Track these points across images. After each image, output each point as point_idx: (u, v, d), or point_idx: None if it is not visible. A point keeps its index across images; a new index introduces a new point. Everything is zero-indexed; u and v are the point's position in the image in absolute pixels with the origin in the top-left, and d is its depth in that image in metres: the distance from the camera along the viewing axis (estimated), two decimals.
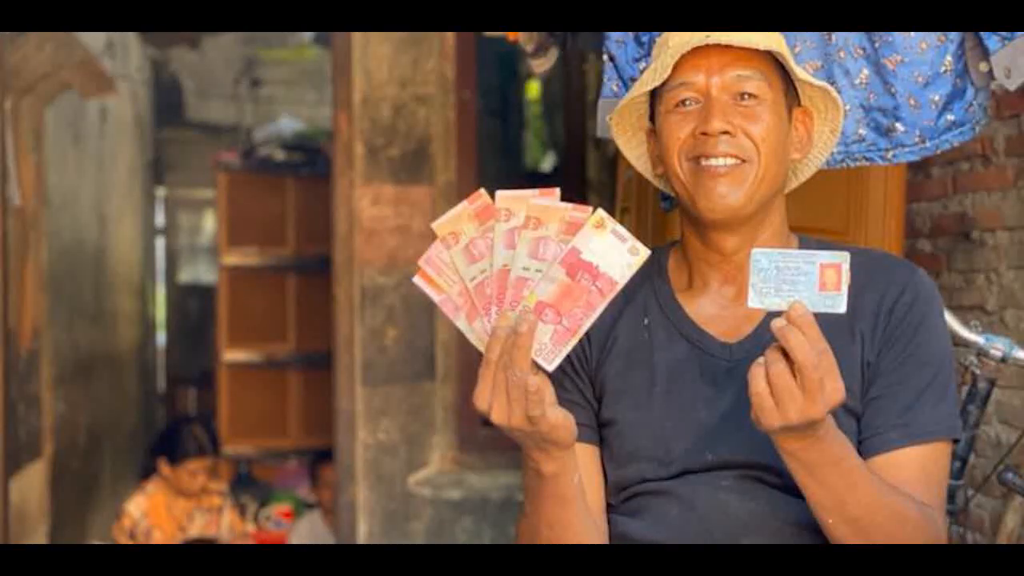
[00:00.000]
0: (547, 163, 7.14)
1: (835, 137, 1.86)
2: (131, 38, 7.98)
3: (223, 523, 5.26)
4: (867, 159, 2.24)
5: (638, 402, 1.76)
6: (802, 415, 1.48)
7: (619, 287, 1.55)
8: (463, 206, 1.59)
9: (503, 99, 6.80)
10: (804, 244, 1.82)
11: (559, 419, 1.55)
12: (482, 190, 1.60)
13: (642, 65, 2.23)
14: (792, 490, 1.63)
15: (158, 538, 5.05)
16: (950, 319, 2.48)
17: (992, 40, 2.14)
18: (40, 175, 5.33)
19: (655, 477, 1.74)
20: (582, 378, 1.80)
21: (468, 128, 4.70)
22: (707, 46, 1.72)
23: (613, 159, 4.32)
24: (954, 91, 2.19)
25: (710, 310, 1.79)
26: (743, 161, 1.72)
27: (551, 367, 1.55)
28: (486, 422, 1.58)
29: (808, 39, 2.21)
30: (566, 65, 5.18)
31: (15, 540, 4.62)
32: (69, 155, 6.37)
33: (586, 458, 1.76)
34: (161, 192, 10.35)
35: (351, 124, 4.56)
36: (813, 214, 2.35)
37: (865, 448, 1.68)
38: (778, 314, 1.48)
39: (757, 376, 1.49)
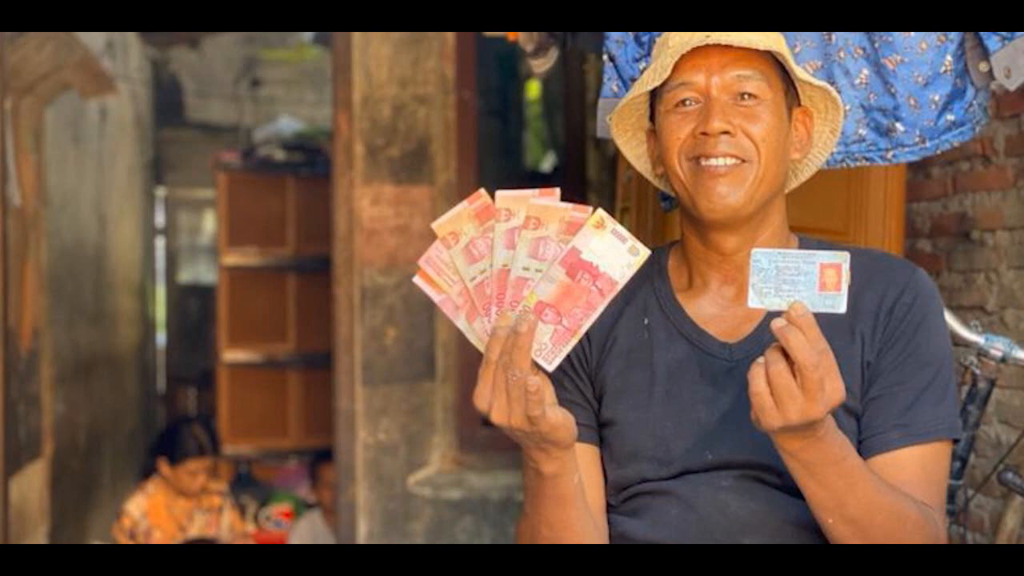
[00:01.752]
0: (547, 163, 7.14)
1: (835, 137, 1.86)
2: (131, 38, 7.98)
3: (223, 523, 5.26)
4: (867, 159, 2.24)
5: (638, 402, 1.76)
6: (802, 415, 1.48)
7: (619, 287, 1.55)
8: (463, 206, 1.59)
9: (503, 99, 6.80)
10: (804, 244, 1.82)
11: (559, 419, 1.55)
12: (482, 190, 1.60)
13: (642, 65, 2.23)
14: (792, 490, 1.63)
15: (158, 538, 5.05)
16: (950, 319, 2.49)
17: (992, 40, 2.14)
18: (40, 175, 5.33)
19: (655, 477, 1.74)
20: (582, 378, 1.80)
21: (468, 128, 4.70)
22: (707, 46, 1.72)
23: (613, 159, 4.32)
24: (954, 91, 2.19)
25: (710, 310, 1.79)
26: (743, 161, 1.72)
27: (551, 367, 1.55)
28: (486, 422, 1.58)
29: (808, 39, 2.21)
30: (566, 65, 5.19)
31: (15, 540, 4.62)
32: (69, 155, 6.37)
33: (586, 458, 1.76)
34: (161, 192, 10.36)
35: (351, 124, 4.56)
36: (813, 214, 2.35)
37: (865, 448, 1.68)
38: (778, 314, 1.48)
39: (757, 376, 1.49)
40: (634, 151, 1.90)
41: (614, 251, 1.55)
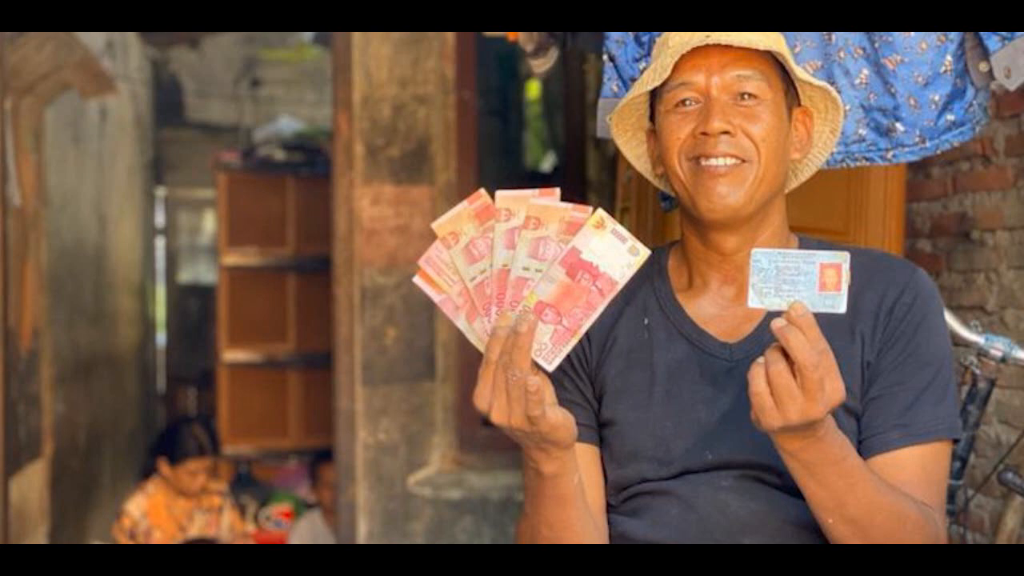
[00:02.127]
0: (547, 163, 7.14)
1: (835, 137, 1.86)
2: (131, 38, 7.98)
3: (223, 523, 5.26)
4: (867, 159, 2.24)
5: (638, 402, 1.76)
6: (802, 415, 1.48)
7: (619, 287, 1.55)
8: (463, 206, 1.59)
9: (503, 99, 6.80)
10: (804, 244, 1.82)
11: (559, 419, 1.55)
12: (482, 190, 1.60)
13: (642, 65, 2.23)
14: (792, 490, 1.63)
15: (158, 538, 5.05)
16: (950, 319, 2.49)
17: (992, 40, 2.14)
18: (40, 175, 5.33)
19: (655, 477, 1.74)
20: (582, 378, 1.80)
21: (468, 128, 4.70)
22: (707, 46, 1.72)
23: (613, 159, 4.32)
24: (954, 91, 2.19)
25: (710, 310, 1.79)
26: (743, 161, 1.72)
27: (551, 367, 1.55)
28: (486, 422, 1.58)
29: (808, 39, 2.21)
30: (566, 65, 5.19)
31: (15, 540, 4.62)
32: (69, 155, 6.37)
33: (586, 458, 1.76)
34: (161, 192, 10.36)
35: (351, 124, 4.56)
36: (813, 214, 2.35)
37: (865, 448, 1.68)
38: (778, 314, 1.48)
39: (757, 376, 1.49)
40: (634, 151, 1.90)
41: (614, 251, 1.55)
